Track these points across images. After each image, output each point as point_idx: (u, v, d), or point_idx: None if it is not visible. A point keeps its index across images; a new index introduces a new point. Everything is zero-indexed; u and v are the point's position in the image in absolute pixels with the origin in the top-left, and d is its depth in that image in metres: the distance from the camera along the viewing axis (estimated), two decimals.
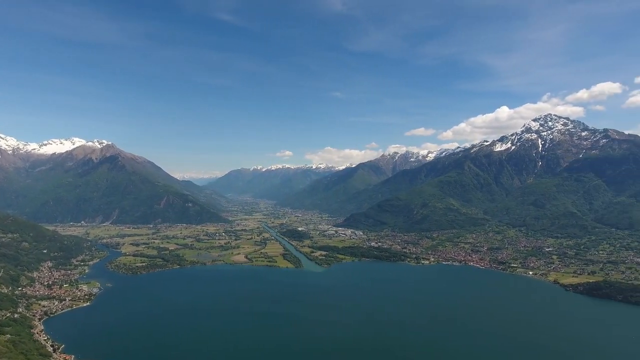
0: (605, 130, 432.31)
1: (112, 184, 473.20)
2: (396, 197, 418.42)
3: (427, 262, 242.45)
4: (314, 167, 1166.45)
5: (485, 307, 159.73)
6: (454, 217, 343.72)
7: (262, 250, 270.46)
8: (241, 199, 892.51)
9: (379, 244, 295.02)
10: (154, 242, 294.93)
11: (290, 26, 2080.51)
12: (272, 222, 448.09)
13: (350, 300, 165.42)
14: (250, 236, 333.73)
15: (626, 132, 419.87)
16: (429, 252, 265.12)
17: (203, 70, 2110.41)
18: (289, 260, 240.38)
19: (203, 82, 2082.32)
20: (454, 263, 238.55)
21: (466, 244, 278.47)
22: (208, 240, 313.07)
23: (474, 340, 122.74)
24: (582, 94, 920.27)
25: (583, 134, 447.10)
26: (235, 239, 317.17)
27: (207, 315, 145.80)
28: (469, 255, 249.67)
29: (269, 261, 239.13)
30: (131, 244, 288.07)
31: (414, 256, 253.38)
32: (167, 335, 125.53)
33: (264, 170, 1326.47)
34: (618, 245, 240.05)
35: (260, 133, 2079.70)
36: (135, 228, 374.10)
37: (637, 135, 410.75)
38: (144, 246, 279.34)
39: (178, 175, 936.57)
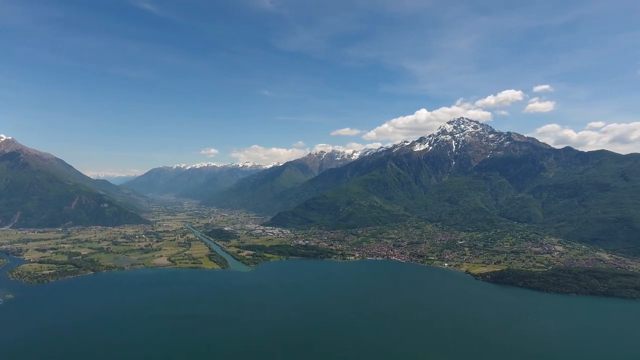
0: (509, 133, 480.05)
1: (13, 184, 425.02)
2: (323, 196, 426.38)
3: (352, 258, 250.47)
4: (240, 165, 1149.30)
5: (405, 298, 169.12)
6: (378, 214, 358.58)
7: (186, 252, 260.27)
8: (163, 198, 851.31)
9: (306, 242, 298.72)
10: (63, 247, 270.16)
11: (217, 21, 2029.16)
12: (197, 222, 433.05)
13: (277, 299, 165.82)
14: (173, 237, 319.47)
15: (525, 135, 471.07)
16: (354, 248, 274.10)
17: (121, 62, 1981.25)
18: (215, 261, 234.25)
19: (121, 74, 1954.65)
20: (378, 258, 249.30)
21: (389, 240, 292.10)
22: (126, 243, 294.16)
23: (397, 329, 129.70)
24: (490, 99, 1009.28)
25: (490, 136, 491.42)
26: (157, 241, 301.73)
27: (124, 323, 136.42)
28: (391, 250, 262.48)
29: (194, 263, 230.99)
30: (37, 249, 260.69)
31: (340, 253, 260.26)
32: (78, 349, 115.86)
33: (187, 168, 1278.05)
34: (519, 237, 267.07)
35: (184, 130, 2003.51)
36: (41, 232, 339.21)
37: (534, 138, 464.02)
38: (52, 252, 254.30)
39: (92, 174, 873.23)
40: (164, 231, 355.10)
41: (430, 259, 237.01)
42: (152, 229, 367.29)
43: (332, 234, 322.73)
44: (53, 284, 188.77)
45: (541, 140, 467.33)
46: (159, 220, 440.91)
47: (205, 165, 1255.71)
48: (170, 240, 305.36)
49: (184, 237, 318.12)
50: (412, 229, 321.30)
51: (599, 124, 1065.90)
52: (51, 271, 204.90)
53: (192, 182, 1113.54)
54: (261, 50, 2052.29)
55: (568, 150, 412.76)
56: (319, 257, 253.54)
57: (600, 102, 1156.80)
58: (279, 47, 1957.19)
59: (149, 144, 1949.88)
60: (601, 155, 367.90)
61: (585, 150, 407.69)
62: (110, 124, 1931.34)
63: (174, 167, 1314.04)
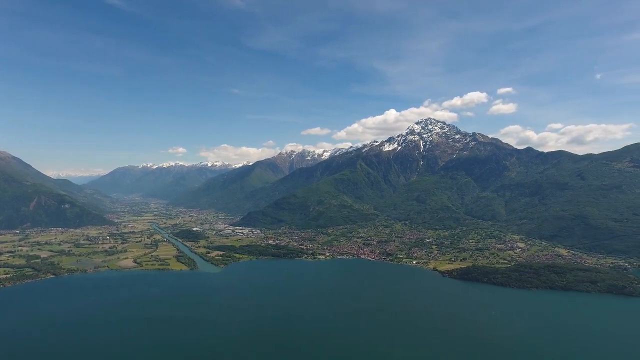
0: (474, 134, 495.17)
1: None
2: (293, 195, 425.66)
3: (323, 257, 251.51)
4: (209, 164, 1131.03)
5: (375, 295, 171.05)
6: (348, 213, 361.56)
7: (153, 253, 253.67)
8: (129, 198, 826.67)
9: (277, 241, 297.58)
10: (21, 250, 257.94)
11: (185, 17, 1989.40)
12: (165, 223, 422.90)
13: (247, 299, 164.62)
14: (139, 238, 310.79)
15: (490, 136, 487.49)
16: (325, 247, 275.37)
17: (84, 57, 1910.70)
18: (183, 262, 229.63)
19: (84, 69, 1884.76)
20: (348, 257, 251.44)
21: (358, 238, 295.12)
22: (90, 245, 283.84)
23: (367, 325, 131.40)
24: (456, 101, 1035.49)
25: (456, 136, 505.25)
26: (122, 243, 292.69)
27: (88, 328, 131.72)
28: (361, 249, 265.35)
29: (161, 264, 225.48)
30: None
31: (310, 252, 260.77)
32: (38, 357, 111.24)
33: (154, 167, 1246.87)
34: (483, 234, 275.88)
35: (150, 128, 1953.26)
36: None
37: (498, 139, 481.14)
38: (8, 255, 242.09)
39: (52, 173, 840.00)
40: (130, 232, 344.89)
41: (399, 257, 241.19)
42: (117, 230, 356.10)
43: (303, 234, 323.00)
44: (10, 288, 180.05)
45: (504, 140, 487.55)
46: (125, 221, 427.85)
47: (173, 164, 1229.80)
48: (136, 242, 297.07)
49: (151, 238, 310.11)
50: (381, 227, 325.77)
51: (558, 125, 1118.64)
52: (8, 275, 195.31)
53: (159, 182, 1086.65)
54: (231, 48, 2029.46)
55: (529, 150, 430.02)
56: (289, 256, 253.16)
57: (559, 104, 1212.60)
58: (250, 46, 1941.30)
59: (114, 142, 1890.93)
60: (560, 156, 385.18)
61: (545, 150, 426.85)
62: (71, 121, 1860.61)
63: (140, 167, 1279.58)
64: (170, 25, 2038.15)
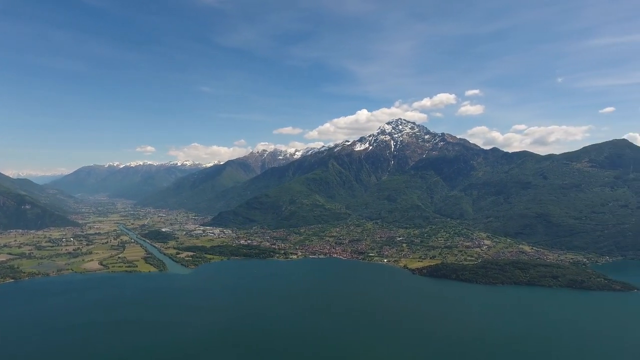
0: (443, 134, 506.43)
1: None
2: (265, 195, 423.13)
3: (295, 256, 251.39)
4: (179, 163, 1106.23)
5: (346, 294, 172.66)
6: (320, 213, 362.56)
7: (120, 255, 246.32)
8: (94, 199, 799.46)
9: (249, 241, 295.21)
10: None
11: (152, 12, 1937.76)
12: (132, 224, 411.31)
13: (218, 300, 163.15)
14: (105, 240, 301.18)
15: (458, 137, 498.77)
16: (297, 247, 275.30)
17: (46, 51, 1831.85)
18: (151, 264, 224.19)
19: (46, 64, 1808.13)
20: (320, 256, 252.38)
21: (331, 238, 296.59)
22: (52, 247, 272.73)
23: (340, 323, 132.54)
24: (426, 102, 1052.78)
25: (426, 137, 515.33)
26: (87, 244, 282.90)
27: (51, 332, 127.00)
28: (333, 248, 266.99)
29: (129, 266, 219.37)
30: None
31: (282, 252, 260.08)
32: None
33: (121, 166, 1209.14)
34: (452, 232, 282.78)
35: (116, 126, 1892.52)
36: None
37: (466, 139, 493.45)
38: None
39: (11, 172, 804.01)
40: (95, 233, 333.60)
41: (371, 256, 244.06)
42: (82, 232, 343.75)
43: (275, 233, 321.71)
44: None
45: (472, 141, 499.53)
46: (90, 222, 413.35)
47: (141, 163, 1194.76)
48: (102, 243, 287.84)
49: (118, 240, 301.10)
50: (353, 226, 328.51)
51: (522, 126, 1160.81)
52: None
53: (127, 182, 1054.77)
54: (201, 45, 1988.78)
55: (495, 151, 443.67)
56: (261, 256, 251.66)
57: (523, 106, 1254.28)
58: (220, 43, 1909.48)
59: (77, 140, 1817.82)
60: (523, 156, 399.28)
61: (510, 151, 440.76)
62: (32, 118, 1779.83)
63: (106, 166, 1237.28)
64: (137, 20, 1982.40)
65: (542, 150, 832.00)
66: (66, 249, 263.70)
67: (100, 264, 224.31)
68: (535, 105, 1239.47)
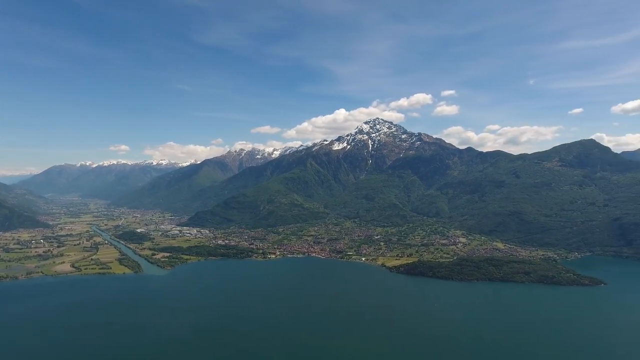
0: (419, 134, 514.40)
1: None
2: (243, 194, 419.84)
3: (273, 256, 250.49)
4: (154, 163, 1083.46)
5: (325, 292, 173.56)
6: (298, 212, 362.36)
7: (93, 257, 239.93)
8: (66, 199, 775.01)
9: (226, 241, 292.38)
10: None
11: (129, 8, 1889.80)
12: (106, 225, 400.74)
13: (195, 301, 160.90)
14: (77, 241, 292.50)
15: (434, 136, 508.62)
16: (275, 246, 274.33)
17: (16, 46, 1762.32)
18: (126, 266, 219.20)
19: (15, 60, 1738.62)
20: (298, 255, 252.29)
21: (309, 237, 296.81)
22: (21, 249, 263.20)
23: (318, 322, 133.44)
24: (403, 102, 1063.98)
25: (403, 136, 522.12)
26: (59, 246, 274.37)
27: (21, 336, 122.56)
28: (312, 247, 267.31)
29: (102, 268, 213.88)
30: None
31: (260, 251, 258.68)
32: None
33: (94, 166, 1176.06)
34: (428, 230, 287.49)
35: (90, 124, 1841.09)
36: None
37: (442, 139, 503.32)
38: None
39: None
40: (67, 235, 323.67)
41: (349, 255, 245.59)
42: (53, 233, 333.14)
43: (253, 233, 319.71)
44: None
45: (447, 141, 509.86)
46: (61, 223, 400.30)
47: (115, 162, 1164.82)
48: (75, 245, 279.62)
49: (91, 241, 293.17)
50: (331, 225, 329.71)
51: (496, 127, 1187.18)
52: None
53: (100, 181, 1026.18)
54: (178, 42, 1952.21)
55: (470, 150, 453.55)
56: (239, 256, 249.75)
57: (497, 107, 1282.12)
58: (198, 41, 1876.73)
59: (48, 139, 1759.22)
60: (497, 155, 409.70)
61: (484, 150, 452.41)
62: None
63: (78, 165, 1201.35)
64: (113, 16, 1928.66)
65: (514, 150, 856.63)
66: (36, 251, 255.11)
67: (72, 266, 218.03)
68: (509, 106, 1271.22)
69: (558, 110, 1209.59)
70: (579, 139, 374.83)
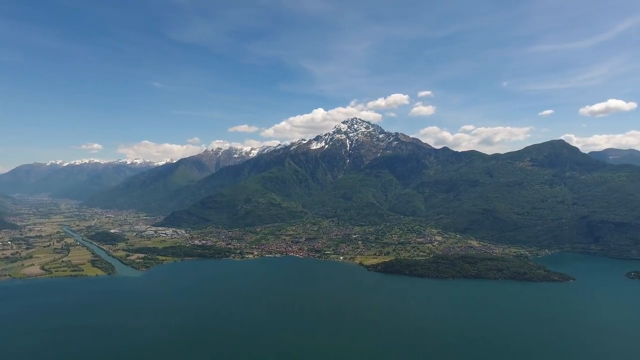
0: (397, 134, 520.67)
1: None
2: (220, 194, 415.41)
3: (251, 256, 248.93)
4: (128, 162, 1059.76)
5: (303, 291, 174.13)
6: (276, 211, 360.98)
7: (64, 259, 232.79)
8: (35, 199, 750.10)
9: (203, 241, 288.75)
10: None
11: (101, 2, 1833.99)
12: (77, 225, 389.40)
13: (170, 302, 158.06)
14: (47, 243, 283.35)
15: (411, 136, 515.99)
16: (253, 246, 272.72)
17: None
18: (99, 267, 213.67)
19: None
20: (277, 255, 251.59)
21: (287, 236, 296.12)
22: None
23: (295, 320, 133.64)
24: (380, 102, 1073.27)
25: (380, 136, 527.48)
26: (27, 248, 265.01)
27: None
28: (290, 247, 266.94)
29: (74, 270, 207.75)
30: None
31: (238, 251, 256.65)
32: None
33: (65, 165, 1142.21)
34: (405, 229, 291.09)
35: (61, 121, 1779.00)
36: None
37: (418, 139, 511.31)
38: None
39: None
40: (36, 236, 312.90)
41: (327, 254, 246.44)
42: (21, 234, 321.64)
43: (230, 233, 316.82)
44: None
45: (424, 140, 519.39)
46: (30, 225, 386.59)
47: (87, 161, 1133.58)
48: (44, 247, 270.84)
49: (61, 242, 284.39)
50: (309, 225, 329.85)
51: (470, 127, 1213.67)
52: None
53: (71, 181, 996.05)
54: (153, 39, 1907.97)
55: (445, 150, 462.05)
56: (216, 256, 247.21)
57: (471, 108, 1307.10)
58: (174, 38, 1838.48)
59: (16, 136, 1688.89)
60: (471, 155, 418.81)
61: (459, 150, 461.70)
62: None
63: (48, 164, 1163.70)
64: (84, 9, 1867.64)
65: (488, 150, 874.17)
66: (3, 253, 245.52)
67: (42, 268, 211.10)
68: (482, 107, 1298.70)
69: (530, 111, 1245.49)
70: (549, 140, 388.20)
